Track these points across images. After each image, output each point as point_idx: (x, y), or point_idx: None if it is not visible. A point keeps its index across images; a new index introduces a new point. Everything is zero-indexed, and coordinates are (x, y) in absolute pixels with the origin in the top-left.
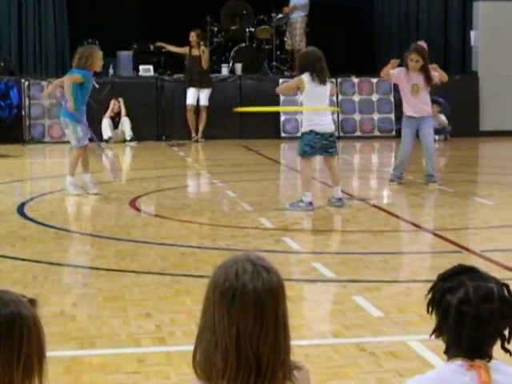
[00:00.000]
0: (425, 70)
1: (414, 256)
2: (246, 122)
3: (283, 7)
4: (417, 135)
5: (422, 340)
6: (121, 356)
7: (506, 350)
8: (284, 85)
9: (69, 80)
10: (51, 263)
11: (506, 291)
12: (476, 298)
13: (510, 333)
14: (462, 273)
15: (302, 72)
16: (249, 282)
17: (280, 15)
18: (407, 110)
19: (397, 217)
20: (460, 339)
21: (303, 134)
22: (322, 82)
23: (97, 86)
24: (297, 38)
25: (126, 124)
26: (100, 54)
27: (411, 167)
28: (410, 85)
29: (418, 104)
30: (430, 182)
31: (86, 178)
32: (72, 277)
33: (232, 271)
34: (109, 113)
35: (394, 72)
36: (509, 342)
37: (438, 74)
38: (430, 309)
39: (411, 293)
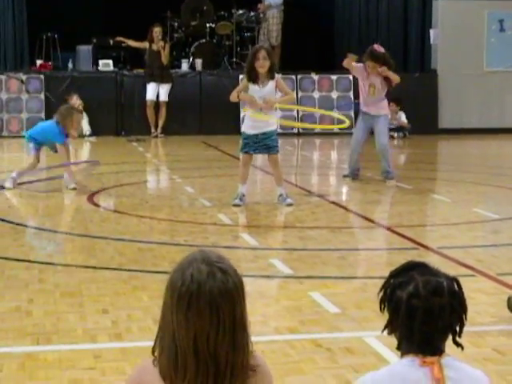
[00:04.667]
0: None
1: (372, 252)
2: (205, 118)
3: (258, 5)
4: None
5: (377, 336)
6: (77, 352)
7: (458, 344)
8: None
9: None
10: (7, 258)
11: (455, 285)
12: (426, 292)
13: (460, 327)
14: (412, 269)
15: None
16: (204, 284)
17: (252, 13)
18: (363, 106)
19: (355, 213)
20: (411, 334)
21: (242, 132)
22: (251, 80)
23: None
24: (273, 34)
25: (83, 119)
26: (79, 118)
27: (370, 164)
28: (368, 84)
29: (374, 103)
30: (388, 179)
31: (65, 175)
32: (28, 272)
33: (188, 274)
34: None
35: (356, 66)
36: (460, 336)
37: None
38: (383, 306)
39: (368, 289)
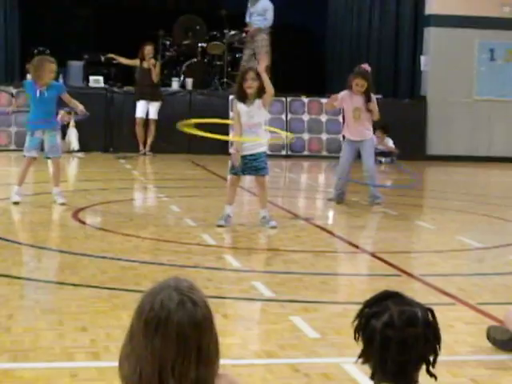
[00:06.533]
0: (367, 93)
1: (354, 278)
2: (194, 137)
3: (247, 30)
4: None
5: (355, 362)
6: (54, 370)
7: (431, 375)
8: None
9: None
10: None
11: (430, 316)
12: (400, 322)
13: (434, 357)
14: (387, 298)
15: None
16: (173, 312)
17: (244, 34)
18: (347, 133)
19: (339, 238)
20: (385, 364)
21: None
22: (239, 99)
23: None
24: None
25: (72, 135)
26: (51, 66)
27: (357, 188)
28: (352, 109)
29: (358, 128)
30: (375, 204)
31: (54, 190)
32: (9, 288)
33: (158, 300)
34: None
35: (337, 99)
36: (433, 367)
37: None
38: (357, 335)
39: (349, 315)
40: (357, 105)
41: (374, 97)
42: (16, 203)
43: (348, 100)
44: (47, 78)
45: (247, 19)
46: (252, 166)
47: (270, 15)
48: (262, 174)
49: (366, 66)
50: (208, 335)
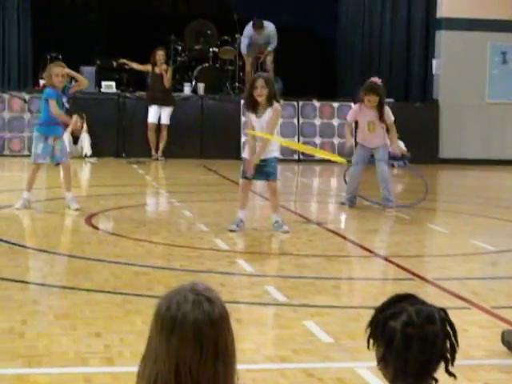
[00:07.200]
0: (379, 107)
1: (367, 282)
2: (206, 142)
3: (260, 54)
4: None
5: (369, 367)
6: (68, 375)
7: (450, 374)
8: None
9: None
10: (2, 278)
11: (444, 314)
12: (420, 320)
13: (452, 355)
14: (401, 300)
15: None
16: (189, 311)
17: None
18: (361, 140)
19: (352, 242)
20: (406, 364)
21: (243, 158)
22: (249, 109)
23: (66, 105)
24: (268, 69)
25: (85, 140)
26: (56, 70)
27: (370, 192)
28: (366, 122)
29: (373, 140)
30: (387, 208)
31: (67, 196)
32: (23, 293)
33: (174, 301)
34: (70, 128)
35: (350, 119)
36: (452, 365)
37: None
38: (372, 341)
39: (362, 319)
40: (370, 119)
41: (388, 110)
42: (18, 209)
43: (361, 114)
44: (57, 83)
45: (244, 50)
46: (262, 171)
47: (275, 40)
48: (272, 179)
49: (376, 80)
50: (225, 333)
